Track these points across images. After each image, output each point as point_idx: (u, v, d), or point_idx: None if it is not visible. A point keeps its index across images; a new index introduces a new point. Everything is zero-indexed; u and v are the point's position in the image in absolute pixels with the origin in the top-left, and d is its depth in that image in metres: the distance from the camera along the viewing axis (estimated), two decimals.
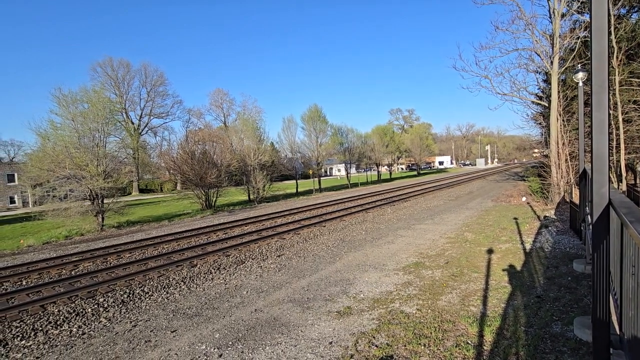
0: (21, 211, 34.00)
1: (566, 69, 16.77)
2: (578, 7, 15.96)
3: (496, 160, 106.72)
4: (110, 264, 10.20)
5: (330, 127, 40.18)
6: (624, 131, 14.69)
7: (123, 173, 19.73)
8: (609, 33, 10.04)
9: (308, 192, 35.20)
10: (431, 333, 4.70)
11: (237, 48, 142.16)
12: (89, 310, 6.61)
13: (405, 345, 4.42)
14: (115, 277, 8.42)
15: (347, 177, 43.41)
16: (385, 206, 19.53)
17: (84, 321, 6.13)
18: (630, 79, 15.36)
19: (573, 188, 13.78)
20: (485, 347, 4.26)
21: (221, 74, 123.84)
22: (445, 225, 12.80)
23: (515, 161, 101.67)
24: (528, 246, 9.09)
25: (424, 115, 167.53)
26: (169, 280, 8.15)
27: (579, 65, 11.70)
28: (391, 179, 54.04)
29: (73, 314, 6.44)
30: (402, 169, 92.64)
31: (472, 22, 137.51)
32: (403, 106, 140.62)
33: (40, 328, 5.92)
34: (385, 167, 56.60)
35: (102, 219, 17.96)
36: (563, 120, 16.28)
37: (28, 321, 6.21)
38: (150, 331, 5.53)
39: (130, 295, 7.29)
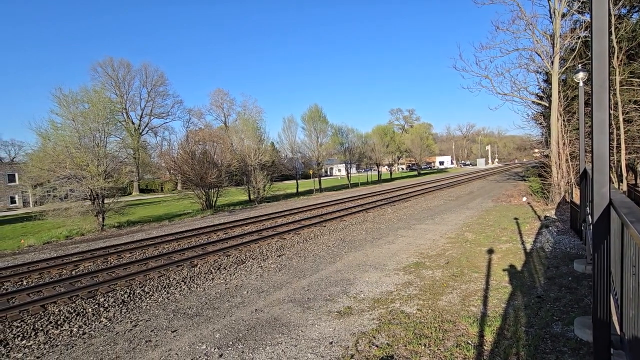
0: (22, 211, 34.04)
1: (567, 68, 16.77)
2: (578, 7, 15.95)
3: (497, 160, 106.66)
4: (110, 263, 10.21)
5: (331, 127, 40.24)
6: (624, 131, 14.69)
7: (123, 173, 19.73)
8: (610, 33, 10.02)
9: (308, 192, 35.20)
10: (431, 333, 4.70)
11: (237, 48, 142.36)
12: (90, 310, 6.62)
13: (405, 345, 4.42)
14: (115, 277, 8.42)
15: (348, 177, 43.40)
16: (386, 206, 19.53)
17: (85, 321, 6.14)
18: (631, 79, 15.35)
19: (573, 188, 13.77)
20: (485, 347, 4.26)
21: (221, 74, 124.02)
22: (446, 225, 12.80)
23: (516, 161, 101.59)
24: (528, 246, 9.08)
25: (425, 115, 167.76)
26: (170, 280, 8.16)
27: (580, 65, 11.68)
28: (391, 179, 54.02)
29: (73, 314, 6.45)
30: (402, 169, 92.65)
31: (472, 22, 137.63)
32: (403, 106, 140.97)
33: (41, 328, 5.93)
34: (386, 167, 56.61)
35: (103, 218, 17.97)
36: (564, 120, 16.27)
37: (29, 321, 6.21)
38: (151, 331, 5.53)
39: (131, 295, 7.29)
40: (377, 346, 4.46)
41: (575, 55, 16.18)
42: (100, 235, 16.34)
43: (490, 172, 51.55)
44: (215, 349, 4.75)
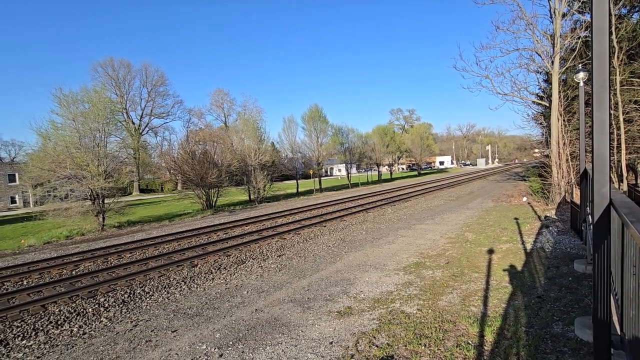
0: (22, 211, 34.06)
1: (567, 68, 16.76)
2: (579, 7, 15.95)
3: (497, 160, 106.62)
4: (111, 263, 10.21)
5: (331, 127, 40.26)
6: (624, 131, 14.68)
7: (124, 173, 19.76)
8: (610, 33, 10.03)
9: (308, 192, 35.20)
10: (432, 333, 4.70)
11: (237, 48, 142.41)
12: (90, 310, 6.62)
13: (405, 346, 4.42)
14: (116, 277, 8.43)
15: (348, 177, 43.40)
16: (386, 206, 19.53)
17: (85, 321, 6.14)
18: (631, 79, 15.34)
19: (574, 188, 13.77)
20: (486, 347, 4.26)
21: (221, 74, 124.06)
22: (446, 225, 12.80)
23: (516, 161, 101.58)
24: (529, 246, 9.08)
25: (425, 115, 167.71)
26: (170, 280, 8.16)
27: (580, 65, 11.66)
28: (392, 179, 54.02)
29: (74, 314, 6.45)
30: (402, 169, 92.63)
31: (472, 22, 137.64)
32: (403, 106, 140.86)
33: (41, 328, 5.93)
34: (386, 167, 56.61)
35: (103, 218, 17.98)
36: (564, 120, 16.27)
37: (29, 321, 6.22)
38: (151, 331, 5.53)
39: (131, 295, 7.30)
40: (377, 346, 4.46)
41: (575, 55, 16.17)
42: (100, 235, 16.35)
43: (491, 172, 51.53)
44: (215, 348, 4.75)
